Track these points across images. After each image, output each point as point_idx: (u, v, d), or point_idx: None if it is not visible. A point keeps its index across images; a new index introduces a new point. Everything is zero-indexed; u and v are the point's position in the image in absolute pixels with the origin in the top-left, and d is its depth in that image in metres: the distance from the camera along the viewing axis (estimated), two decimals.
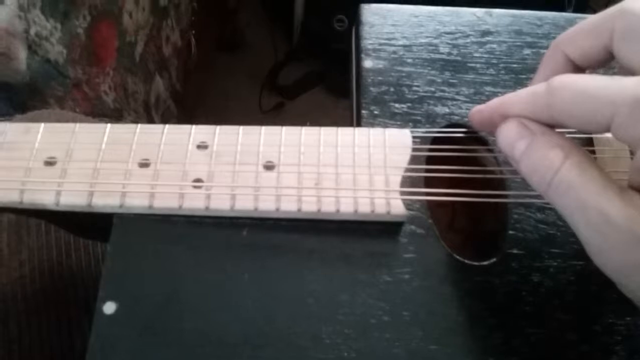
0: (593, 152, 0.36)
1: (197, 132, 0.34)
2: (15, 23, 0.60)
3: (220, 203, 0.32)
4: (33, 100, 0.64)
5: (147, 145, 0.33)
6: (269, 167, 0.33)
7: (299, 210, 0.31)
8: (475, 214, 0.40)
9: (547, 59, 0.30)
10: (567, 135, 0.26)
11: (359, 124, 0.37)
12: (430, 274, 0.31)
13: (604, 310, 0.31)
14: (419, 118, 0.37)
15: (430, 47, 0.40)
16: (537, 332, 0.30)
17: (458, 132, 0.35)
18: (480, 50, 0.40)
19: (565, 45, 0.29)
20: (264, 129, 0.34)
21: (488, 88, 0.38)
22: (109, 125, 0.34)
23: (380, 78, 0.39)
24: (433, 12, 0.42)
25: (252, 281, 0.31)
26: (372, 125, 0.37)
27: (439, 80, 0.39)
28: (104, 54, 0.81)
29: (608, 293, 0.31)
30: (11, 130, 0.34)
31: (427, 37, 0.41)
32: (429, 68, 0.39)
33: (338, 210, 0.31)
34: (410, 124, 0.37)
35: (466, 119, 0.37)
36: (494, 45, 0.40)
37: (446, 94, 0.38)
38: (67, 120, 0.49)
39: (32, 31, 0.63)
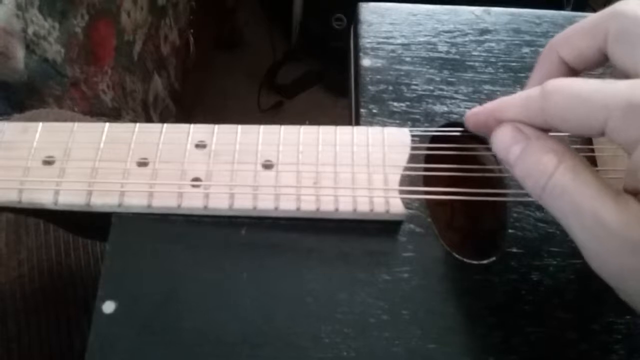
0: (592, 150, 0.36)
1: (196, 131, 0.34)
2: (13, 22, 0.60)
3: (219, 202, 0.32)
4: (31, 99, 0.64)
5: (145, 145, 0.33)
6: (267, 166, 0.33)
7: (298, 209, 0.31)
8: (475, 213, 0.40)
9: (541, 61, 0.30)
10: (568, 136, 0.26)
11: (357, 123, 0.37)
12: (430, 272, 0.31)
13: (604, 309, 0.31)
14: (417, 117, 0.37)
15: (429, 46, 0.40)
16: (536, 330, 0.30)
17: (457, 131, 0.35)
18: (479, 48, 0.40)
19: (559, 47, 0.29)
20: (262, 128, 0.34)
21: (487, 86, 0.38)
22: (107, 124, 0.34)
23: (378, 77, 0.39)
24: (431, 11, 0.42)
25: (251, 280, 0.31)
26: (370, 124, 0.37)
27: (437, 78, 0.39)
28: (102, 53, 0.80)
29: (608, 292, 0.30)
30: (9, 130, 0.33)
31: (425, 35, 0.41)
32: (428, 67, 0.39)
33: (337, 209, 0.31)
34: (409, 122, 0.37)
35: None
36: (493, 44, 0.40)
37: (445, 93, 0.38)
38: (65, 120, 0.49)
39: (30, 30, 0.62)
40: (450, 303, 0.31)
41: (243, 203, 0.32)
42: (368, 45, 0.40)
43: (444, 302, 0.31)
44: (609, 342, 0.30)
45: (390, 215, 0.32)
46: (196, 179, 0.32)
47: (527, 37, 0.41)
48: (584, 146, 0.36)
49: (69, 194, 0.32)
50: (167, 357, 0.29)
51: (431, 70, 0.39)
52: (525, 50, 0.40)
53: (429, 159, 0.34)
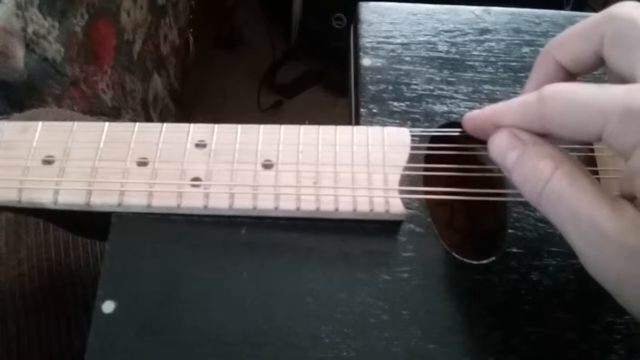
0: (592, 150, 0.36)
1: (196, 130, 0.34)
2: (13, 21, 0.60)
3: (219, 202, 0.32)
4: (31, 98, 0.64)
5: (145, 144, 0.33)
6: (267, 165, 0.33)
7: (298, 209, 0.31)
8: (475, 213, 0.40)
9: (538, 64, 0.30)
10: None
11: (357, 123, 0.37)
12: (430, 272, 0.31)
13: (604, 309, 0.31)
14: (417, 116, 0.37)
15: (429, 45, 0.40)
16: (536, 330, 0.30)
17: (457, 131, 0.35)
18: (479, 48, 0.40)
19: (556, 51, 0.29)
20: (262, 127, 0.34)
21: (487, 86, 0.38)
22: (107, 123, 0.34)
23: (378, 76, 0.39)
24: (431, 10, 0.42)
25: (251, 280, 0.31)
26: (370, 123, 0.36)
27: (437, 78, 0.39)
28: (102, 52, 0.80)
29: (607, 292, 0.31)
30: (9, 129, 0.33)
31: (425, 35, 0.41)
32: (428, 66, 0.39)
33: (337, 209, 0.31)
34: (409, 122, 0.37)
35: None
36: (493, 44, 0.40)
37: (445, 92, 0.38)
38: (65, 119, 0.49)
39: (30, 29, 0.62)
40: (450, 303, 0.31)
41: (243, 203, 0.32)
42: (368, 45, 0.40)
43: (443, 302, 0.31)
44: (609, 342, 0.30)
45: (390, 215, 0.32)
46: (196, 179, 0.32)
47: (527, 37, 0.41)
48: (584, 146, 0.36)
49: (69, 194, 0.32)
50: (167, 357, 0.29)
51: (431, 70, 0.39)
52: (525, 49, 0.40)
53: (428, 158, 0.34)
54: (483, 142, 0.35)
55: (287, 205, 0.31)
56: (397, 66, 0.39)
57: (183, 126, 0.34)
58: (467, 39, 0.41)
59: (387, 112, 0.37)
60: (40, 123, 0.34)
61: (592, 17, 0.27)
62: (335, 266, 0.31)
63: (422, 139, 0.35)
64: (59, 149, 0.33)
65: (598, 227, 0.23)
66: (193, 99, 1.25)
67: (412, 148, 0.34)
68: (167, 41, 1.06)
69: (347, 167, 0.33)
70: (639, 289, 0.23)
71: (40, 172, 0.32)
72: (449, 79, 0.39)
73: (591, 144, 0.36)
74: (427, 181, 0.33)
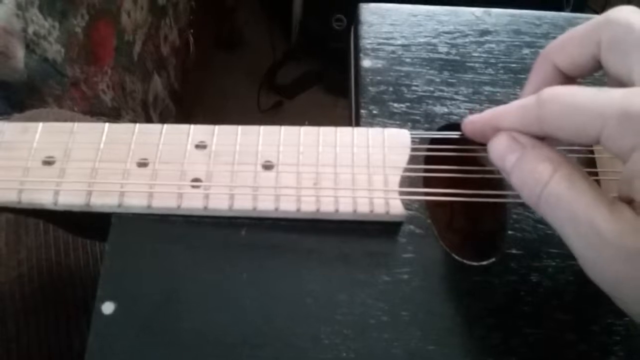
0: (592, 152, 0.36)
1: (196, 131, 0.34)
2: (13, 22, 0.60)
3: (219, 203, 0.32)
4: (31, 99, 0.64)
5: (145, 145, 0.33)
6: (267, 166, 0.33)
7: (298, 210, 0.31)
8: (474, 214, 0.40)
9: (536, 68, 0.30)
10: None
11: (357, 124, 0.37)
12: (429, 274, 0.31)
13: (603, 311, 0.31)
14: (417, 118, 0.37)
15: (429, 47, 0.40)
16: (535, 332, 0.30)
17: (457, 133, 0.35)
18: (479, 49, 0.40)
19: (554, 55, 0.29)
20: (262, 128, 0.34)
21: (487, 88, 0.38)
22: (107, 124, 0.34)
23: (379, 78, 0.39)
24: (432, 12, 0.42)
25: (251, 281, 0.31)
26: (371, 125, 0.37)
27: (437, 80, 0.39)
28: (102, 52, 0.80)
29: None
30: (9, 130, 0.33)
31: (425, 36, 0.41)
32: (428, 68, 0.39)
33: (337, 210, 0.31)
34: (409, 123, 0.37)
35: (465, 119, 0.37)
36: (493, 45, 0.40)
37: (445, 94, 0.38)
38: (65, 120, 0.49)
39: (30, 30, 0.62)
40: (449, 304, 0.31)
41: (243, 204, 0.32)
42: (368, 46, 0.40)
43: (443, 304, 0.31)
44: (608, 344, 0.30)
45: (390, 217, 0.32)
46: (196, 180, 0.32)
47: (527, 38, 0.41)
48: (583, 148, 0.36)
49: (69, 195, 0.32)
50: (167, 358, 0.29)
51: (431, 72, 0.39)
52: (526, 51, 0.40)
53: (429, 160, 0.34)
54: (483, 144, 0.35)
55: (287, 206, 0.32)
56: (398, 67, 0.39)
57: (183, 127, 0.34)
58: (467, 40, 0.41)
59: (387, 113, 0.37)
60: (40, 124, 0.34)
61: (590, 22, 0.27)
62: (335, 267, 0.31)
63: (422, 140, 0.35)
64: (60, 150, 0.33)
65: (596, 230, 0.23)
66: (193, 99, 1.25)
67: (412, 149, 0.34)
68: (167, 42, 1.06)
69: (348, 168, 0.33)
70: (637, 291, 0.23)
71: (40, 173, 0.32)
72: (449, 80, 0.39)
73: (591, 146, 0.36)
74: (427, 182, 0.33)
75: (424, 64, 0.39)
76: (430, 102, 0.38)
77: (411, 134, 0.34)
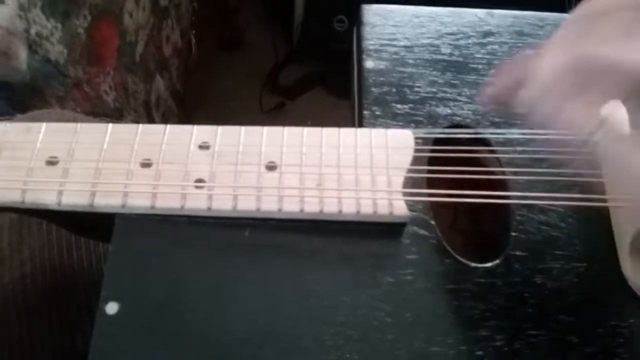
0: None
1: (199, 132, 0.34)
2: (16, 22, 0.60)
3: (223, 203, 0.32)
4: (33, 99, 0.64)
5: (148, 146, 0.33)
6: (271, 167, 0.33)
7: (302, 210, 0.31)
8: (478, 215, 0.40)
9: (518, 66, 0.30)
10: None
11: (360, 125, 0.37)
12: (433, 275, 0.31)
13: (607, 313, 0.30)
14: (420, 119, 0.37)
15: (432, 48, 0.40)
16: (539, 334, 0.30)
17: (460, 133, 0.35)
18: (482, 51, 0.40)
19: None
20: (265, 129, 0.34)
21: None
22: (110, 125, 0.34)
23: (381, 79, 0.39)
24: (434, 13, 0.42)
25: (254, 282, 0.31)
26: (373, 126, 0.37)
27: (440, 81, 0.39)
28: (105, 53, 0.80)
29: (611, 295, 0.31)
30: (12, 130, 0.33)
31: (428, 37, 0.41)
32: (431, 69, 0.39)
33: (340, 211, 0.31)
34: (412, 124, 0.37)
35: (468, 120, 0.37)
36: (496, 46, 0.40)
37: (448, 95, 0.38)
38: (67, 120, 0.49)
39: (33, 31, 0.62)
40: (453, 306, 0.30)
41: (246, 204, 0.32)
42: (371, 47, 0.40)
43: (447, 305, 0.30)
44: (612, 346, 0.30)
45: (394, 218, 0.32)
46: (200, 180, 0.32)
47: (530, 40, 0.41)
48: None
49: (73, 195, 0.32)
50: (170, 358, 0.29)
51: (434, 73, 0.39)
52: (528, 52, 0.40)
53: (432, 161, 0.34)
54: (487, 145, 0.35)
55: (291, 207, 0.31)
56: (400, 69, 0.39)
57: (186, 128, 0.34)
58: (470, 41, 0.41)
59: (390, 114, 0.37)
60: (44, 124, 0.34)
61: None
62: (339, 268, 0.31)
63: (425, 141, 0.35)
64: (63, 150, 0.33)
65: None
66: (195, 100, 1.25)
67: (416, 150, 0.34)
68: (169, 43, 1.06)
69: (351, 169, 0.33)
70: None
71: (44, 173, 0.32)
72: (452, 81, 0.39)
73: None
74: (431, 183, 0.33)
75: (427, 65, 0.39)
76: (433, 103, 0.38)
77: (414, 134, 0.34)
